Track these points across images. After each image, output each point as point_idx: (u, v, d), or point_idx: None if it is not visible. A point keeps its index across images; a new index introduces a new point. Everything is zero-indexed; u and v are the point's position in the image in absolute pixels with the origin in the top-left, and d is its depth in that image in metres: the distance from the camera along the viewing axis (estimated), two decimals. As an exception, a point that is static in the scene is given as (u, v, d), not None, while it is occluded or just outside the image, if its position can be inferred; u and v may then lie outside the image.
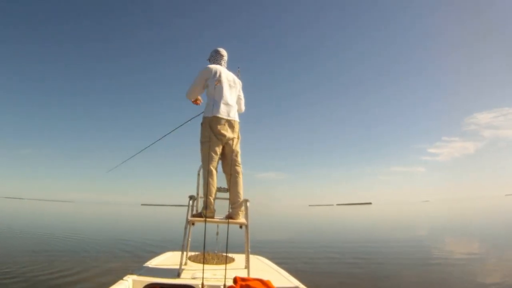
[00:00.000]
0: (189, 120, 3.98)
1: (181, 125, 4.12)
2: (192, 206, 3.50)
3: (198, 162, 3.60)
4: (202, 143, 3.50)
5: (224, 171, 3.59)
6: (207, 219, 3.13)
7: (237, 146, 3.62)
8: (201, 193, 3.61)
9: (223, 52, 3.87)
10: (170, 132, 4.19)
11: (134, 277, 2.95)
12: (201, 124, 3.57)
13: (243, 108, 3.95)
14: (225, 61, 3.87)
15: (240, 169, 3.59)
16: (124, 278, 2.88)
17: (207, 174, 3.36)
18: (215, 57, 3.83)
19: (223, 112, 3.52)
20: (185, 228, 3.26)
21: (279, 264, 3.98)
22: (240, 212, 3.44)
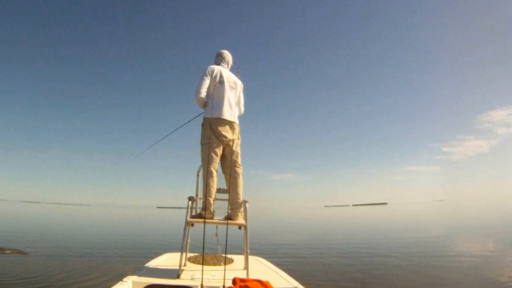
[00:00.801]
0: (194, 117, 3.93)
1: (188, 122, 4.05)
2: (191, 207, 3.51)
3: (197, 163, 3.62)
4: (202, 144, 3.50)
5: (224, 172, 3.59)
6: (206, 220, 3.14)
7: (237, 148, 3.62)
8: (200, 194, 3.63)
9: (225, 54, 3.89)
10: (179, 127, 4.14)
11: (134, 278, 2.98)
12: (202, 125, 3.58)
13: (242, 110, 3.94)
14: (228, 63, 3.88)
15: (240, 170, 3.60)
16: (124, 279, 2.91)
17: (207, 175, 3.37)
18: (217, 59, 3.88)
19: (223, 113, 3.53)
20: (184, 229, 3.27)
21: (279, 265, 3.97)
22: (239, 213, 3.45)
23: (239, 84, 3.85)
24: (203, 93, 3.55)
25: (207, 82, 3.57)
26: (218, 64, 3.81)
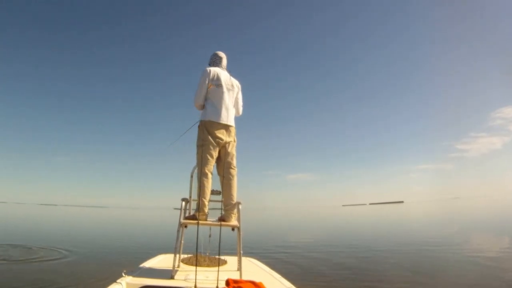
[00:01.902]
0: (196, 123, 3.78)
1: (191, 127, 3.88)
2: (185, 208, 3.53)
3: (190, 164, 3.65)
4: (198, 146, 3.50)
5: (219, 173, 3.59)
6: (200, 222, 3.15)
7: (233, 149, 3.62)
8: (194, 196, 3.64)
9: (221, 54, 3.85)
10: (188, 129, 3.92)
11: (128, 279, 3.01)
12: (198, 127, 3.58)
13: (240, 111, 3.90)
14: (224, 64, 3.84)
15: (234, 172, 3.59)
16: (118, 280, 2.94)
17: (202, 177, 3.37)
18: (214, 60, 3.82)
19: (220, 117, 3.52)
20: (178, 230, 3.28)
21: (272, 266, 3.96)
22: (232, 215, 3.45)
23: (236, 85, 3.81)
24: (203, 100, 3.57)
25: (205, 87, 3.56)
26: (214, 65, 3.77)
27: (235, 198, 3.52)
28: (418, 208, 73.09)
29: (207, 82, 3.56)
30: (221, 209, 3.51)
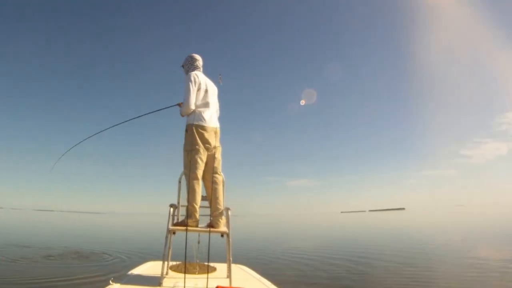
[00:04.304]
0: (163, 108, 3.77)
1: (156, 111, 3.87)
2: (173, 215, 3.50)
3: (178, 170, 3.60)
4: (187, 151, 3.46)
5: (204, 179, 3.55)
6: (189, 228, 3.11)
7: (219, 155, 3.61)
8: (182, 202, 3.61)
9: (198, 56, 3.82)
10: (140, 115, 3.95)
11: (115, 286, 2.98)
12: (186, 131, 3.53)
13: (219, 114, 3.87)
14: (202, 67, 3.82)
15: (221, 177, 3.59)
16: None
17: (193, 182, 3.35)
18: (193, 63, 3.77)
19: (208, 120, 3.52)
20: (166, 237, 3.25)
21: (262, 273, 3.90)
22: (221, 221, 3.42)
23: (216, 89, 3.82)
24: (192, 109, 3.50)
25: (195, 92, 3.52)
26: (195, 68, 3.74)
27: (223, 204, 3.50)
28: (420, 215, 72.33)
29: (195, 87, 3.52)
30: (210, 215, 3.47)
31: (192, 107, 3.49)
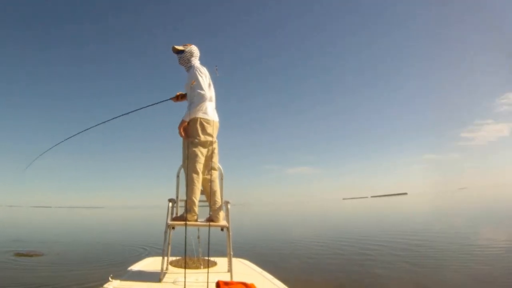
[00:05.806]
0: (158, 102, 3.83)
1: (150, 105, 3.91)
2: (172, 209, 3.46)
3: (175, 164, 3.55)
4: (188, 143, 3.39)
5: (203, 173, 3.49)
6: (188, 223, 3.08)
7: (216, 148, 3.56)
8: (181, 196, 3.56)
9: (196, 47, 3.73)
10: (135, 110, 3.98)
11: (115, 283, 2.96)
12: (188, 123, 3.45)
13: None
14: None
15: (219, 171, 3.57)
16: (105, 285, 2.90)
17: (193, 175, 3.31)
18: (193, 54, 3.66)
19: (211, 113, 3.49)
20: (165, 232, 3.21)
21: (263, 267, 3.88)
22: (220, 215, 3.38)
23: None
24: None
25: (205, 83, 3.48)
26: (195, 59, 3.67)
27: (221, 198, 3.47)
28: (422, 199, 72.59)
29: (203, 77, 3.48)
30: (209, 209, 3.43)
31: (207, 90, 3.43)
